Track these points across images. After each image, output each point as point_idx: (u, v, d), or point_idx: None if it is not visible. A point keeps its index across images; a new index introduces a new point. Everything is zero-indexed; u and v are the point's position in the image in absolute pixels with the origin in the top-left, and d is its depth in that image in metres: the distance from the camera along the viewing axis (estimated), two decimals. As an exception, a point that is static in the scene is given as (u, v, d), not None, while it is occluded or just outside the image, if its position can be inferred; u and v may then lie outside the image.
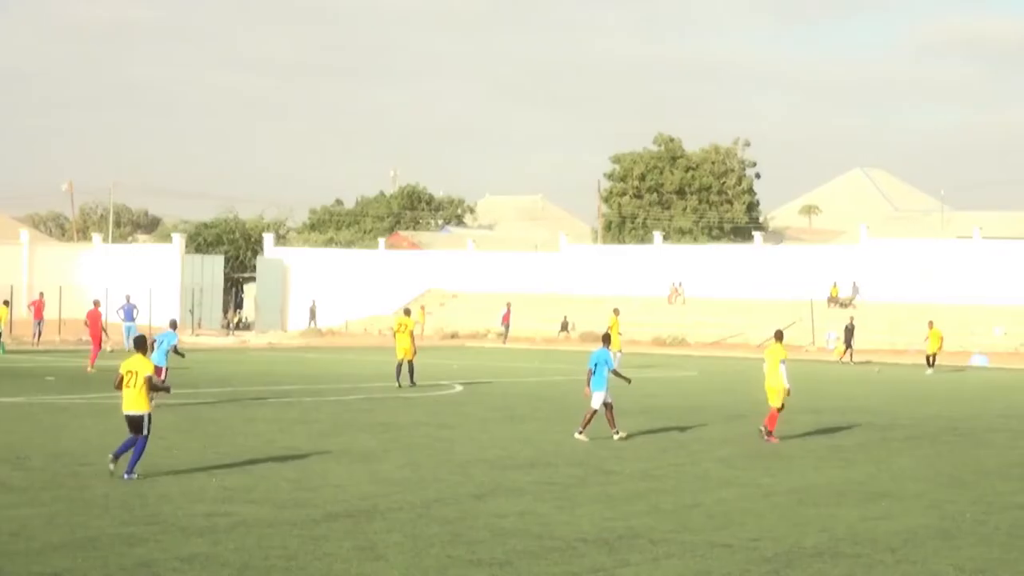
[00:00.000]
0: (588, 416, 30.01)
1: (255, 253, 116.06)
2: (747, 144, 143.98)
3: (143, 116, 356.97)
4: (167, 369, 35.72)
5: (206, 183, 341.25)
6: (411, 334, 45.42)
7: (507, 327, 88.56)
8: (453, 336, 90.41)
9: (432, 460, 25.98)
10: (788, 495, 22.20)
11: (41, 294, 76.05)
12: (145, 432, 22.46)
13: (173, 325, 40.41)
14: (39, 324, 73.68)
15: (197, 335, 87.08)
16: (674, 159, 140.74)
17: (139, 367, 22.52)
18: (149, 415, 22.60)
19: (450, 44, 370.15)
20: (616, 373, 30.37)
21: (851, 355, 70.23)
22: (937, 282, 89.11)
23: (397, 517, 19.24)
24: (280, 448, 27.10)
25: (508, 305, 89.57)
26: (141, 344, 23.27)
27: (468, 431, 31.66)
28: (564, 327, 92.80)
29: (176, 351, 36.92)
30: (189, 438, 28.74)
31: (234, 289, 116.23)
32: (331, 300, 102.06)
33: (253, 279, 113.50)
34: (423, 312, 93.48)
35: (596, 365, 29.92)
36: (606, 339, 30.88)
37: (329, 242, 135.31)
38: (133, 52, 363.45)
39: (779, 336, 31.38)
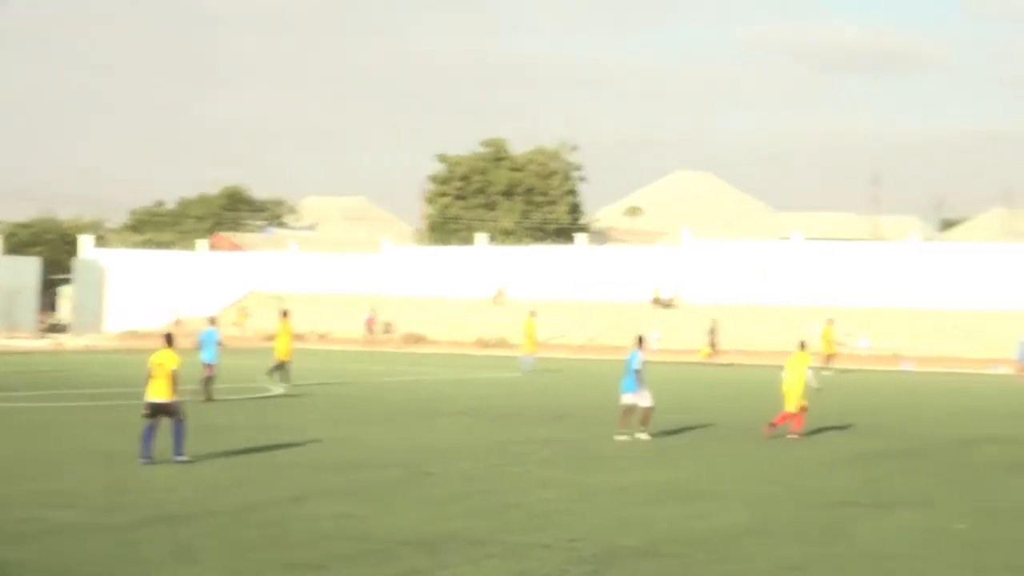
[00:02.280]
0: (645, 416, 31.21)
1: (72, 254, 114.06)
2: (574, 148, 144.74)
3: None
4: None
5: (24, 183, 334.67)
6: (289, 334, 46.99)
7: (372, 330, 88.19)
8: (274, 338, 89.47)
9: (251, 463, 25.69)
10: (609, 495, 22.25)
11: None
12: (180, 417, 24.81)
13: (213, 321, 43.13)
14: None
15: (11, 338, 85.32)
16: (499, 160, 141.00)
17: (166, 360, 24.62)
18: (177, 402, 24.80)
19: (273, 45, 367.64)
20: (638, 375, 31.12)
21: (716, 355, 70.84)
22: (760, 283, 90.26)
23: (214, 521, 18.95)
24: (96, 451, 26.59)
25: (373, 310, 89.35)
26: (170, 339, 25.37)
27: (288, 433, 31.27)
28: (386, 329, 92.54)
29: (219, 344, 40.36)
30: (1, 442, 28.10)
31: (50, 291, 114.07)
32: (151, 302, 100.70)
33: (70, 281, 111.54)
34: (244, 314, 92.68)
35: (627, 366, 31.28)
36: (639, 341, 31.72)
37: (147, 243, 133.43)
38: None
39: (803, 345, 33.36)
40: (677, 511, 20.67)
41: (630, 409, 31.18)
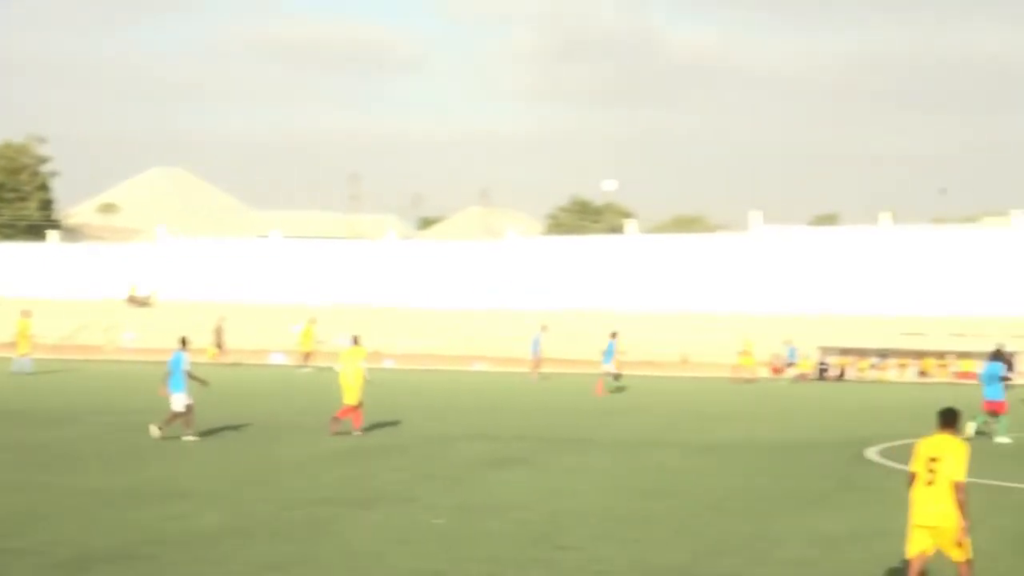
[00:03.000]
0: (170, 417, 30.80)
1: None
2: (42, 140, 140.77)
3: None
4: None
5: None
6: None
7: None
8: None
9: None
10: (84, 497, 21.53)
11: None
12: None
13: None
14: None
15: None
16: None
17: None
18: None
19: None
20: (191, 375, 30.97)
21: (222, 355, 69.61)
22: (238, 280, 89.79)
23: None
24: None
25: None
26: None
27: None
28: None
29: None
30: None
31: None
32: None
33: None
34: None
35: (173, 367, 30.93)
36: (183, 342, 31.43)
37: None
38: None
39: (356, 340, 34.47)
40: (153, 512, 20.13)
41: (181, 413, 30.94)
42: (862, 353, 67.50)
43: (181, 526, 18.96)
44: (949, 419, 14.82)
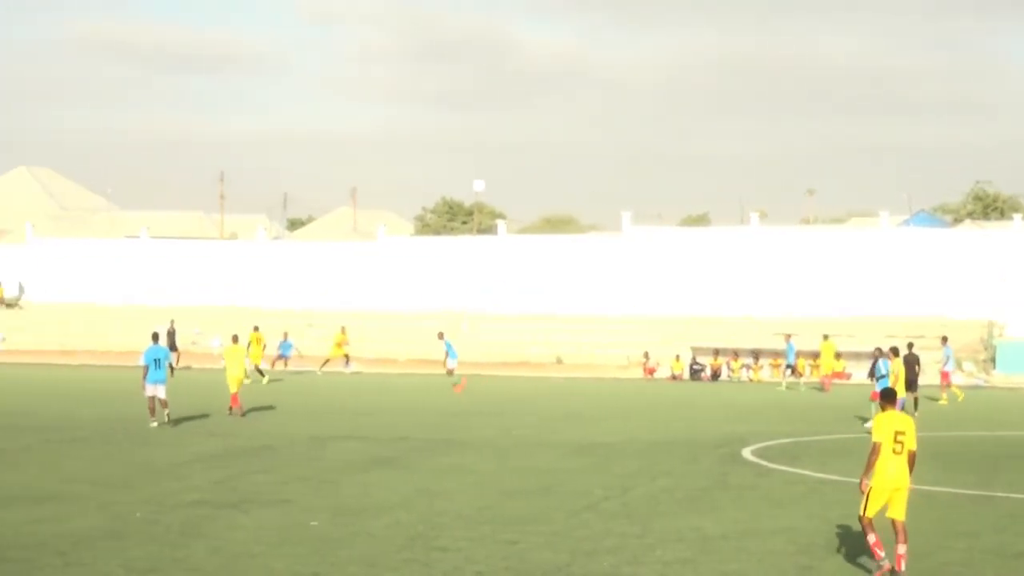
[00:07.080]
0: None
1: None
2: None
3: None
4: None
5: None
6: None
7: None
8: None
9: None
10: (-51, 502, 21.08)
11: None
12: None
13: None
14: None
15: None
16: None
17: None
18: None
19: None
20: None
21: None
22: (107, 281, 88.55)
23: None
24: None
25: None
26: None
27: None
28: None
29: None
30: None
31: None
32: None
33: None
34: None
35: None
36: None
37: None
38: None
39: (235, 339, 41.73)
40: (23, 515, 19.79)
41: None
42: (735, 353, 67.94)
43: (52, 529, 18.65)
44: (893, 398, 17.68)
